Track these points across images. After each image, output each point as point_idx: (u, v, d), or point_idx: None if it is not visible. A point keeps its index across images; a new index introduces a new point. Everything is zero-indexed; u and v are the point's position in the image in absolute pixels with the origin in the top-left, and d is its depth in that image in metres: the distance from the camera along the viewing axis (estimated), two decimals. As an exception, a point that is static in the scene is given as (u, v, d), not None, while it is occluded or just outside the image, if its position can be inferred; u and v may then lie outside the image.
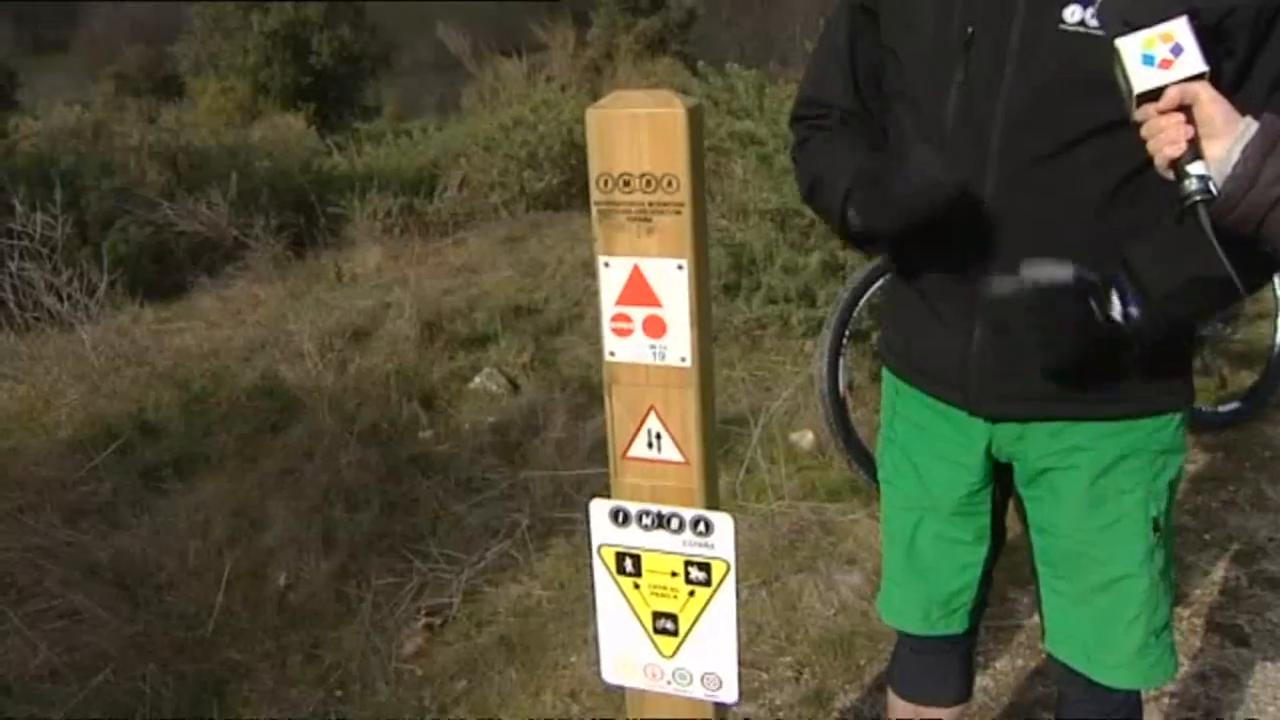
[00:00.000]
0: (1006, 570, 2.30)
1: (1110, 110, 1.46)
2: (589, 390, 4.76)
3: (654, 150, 1.65)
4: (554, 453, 4.21)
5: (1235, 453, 4.06)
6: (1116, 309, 1.51)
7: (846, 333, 3.65)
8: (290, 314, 6.28)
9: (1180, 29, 1.35)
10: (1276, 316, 4.43)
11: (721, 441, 3.97)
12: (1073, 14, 1.51)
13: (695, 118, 1.68)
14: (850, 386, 3.75)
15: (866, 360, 4.33)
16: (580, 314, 5.92)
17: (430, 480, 4.08)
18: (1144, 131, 1.38)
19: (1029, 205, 1.54)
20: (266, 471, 4.16)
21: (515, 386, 5.01)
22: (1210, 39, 1.38)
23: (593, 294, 6.00)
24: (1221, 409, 4.24)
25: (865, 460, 3.61)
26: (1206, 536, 3.51)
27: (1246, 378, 4.51)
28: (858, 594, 3.19)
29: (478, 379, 5.05)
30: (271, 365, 5.36)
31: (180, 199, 7.82)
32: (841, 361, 3.62)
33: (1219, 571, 3.32)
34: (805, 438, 4.11)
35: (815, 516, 3.60)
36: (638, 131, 1.67)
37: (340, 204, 8.17)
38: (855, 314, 3.69)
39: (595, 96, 9.82)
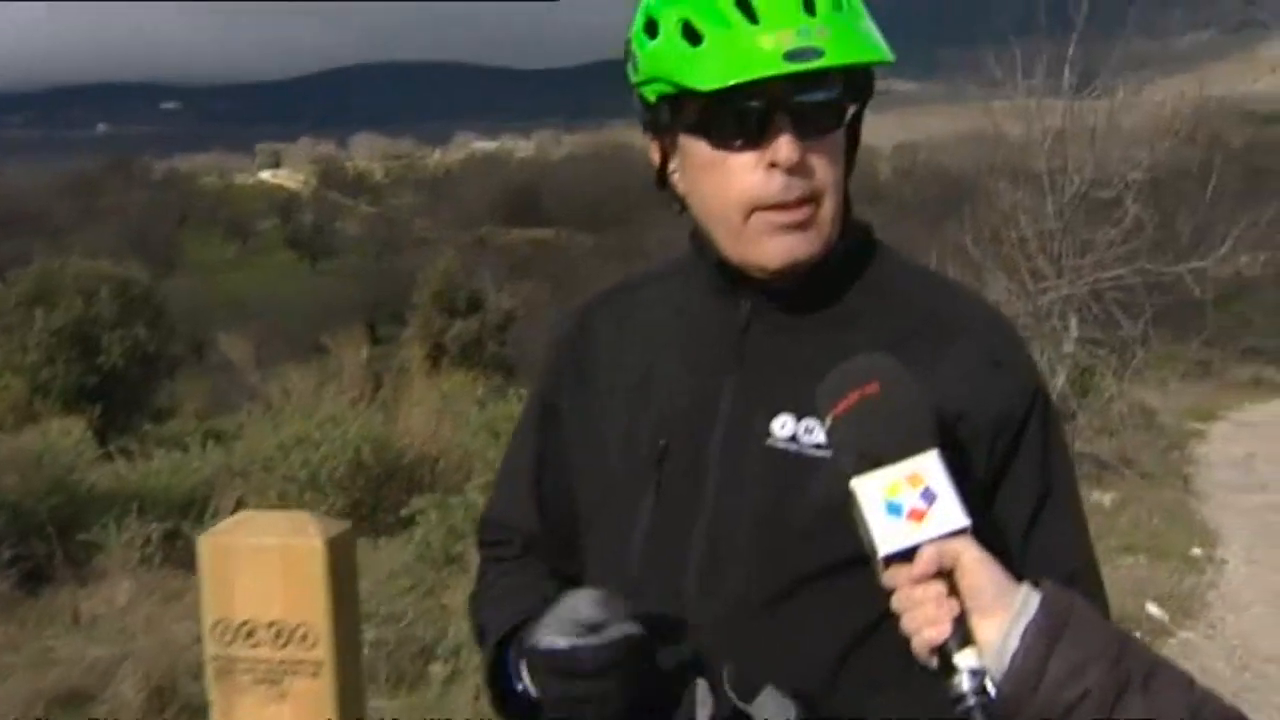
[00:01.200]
0: None
1: (837, 547, 1.21)
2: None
3: (286, 593, 1.33)
4: None
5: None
6: None
7: None
8: None
9: (931, 468, 1.13)
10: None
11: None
12: (783, 426, 1.29)
13: (340, 550, 1.37)
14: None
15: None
16: (348, 666, 5.38)
17: None
18: (895, 604, 1.12)
19: (738, 668, 1.26)
20: None
21: (256, 766, 4.37)
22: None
23: (371, 644, 5.48)
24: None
25: None
26: None
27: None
28: None
29: (210, 759, 4.40)
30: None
31: (-107, 529, 7.02)
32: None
33: None
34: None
35: None
36: (264, 568, 1.34)
37: (92, 530, 7.50)
38: None
39: (386, 410, 9.60)
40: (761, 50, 1.18)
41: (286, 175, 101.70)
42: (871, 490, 1.13)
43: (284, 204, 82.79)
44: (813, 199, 1.26)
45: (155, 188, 78.47)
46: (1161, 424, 14.42)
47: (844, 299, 1.33)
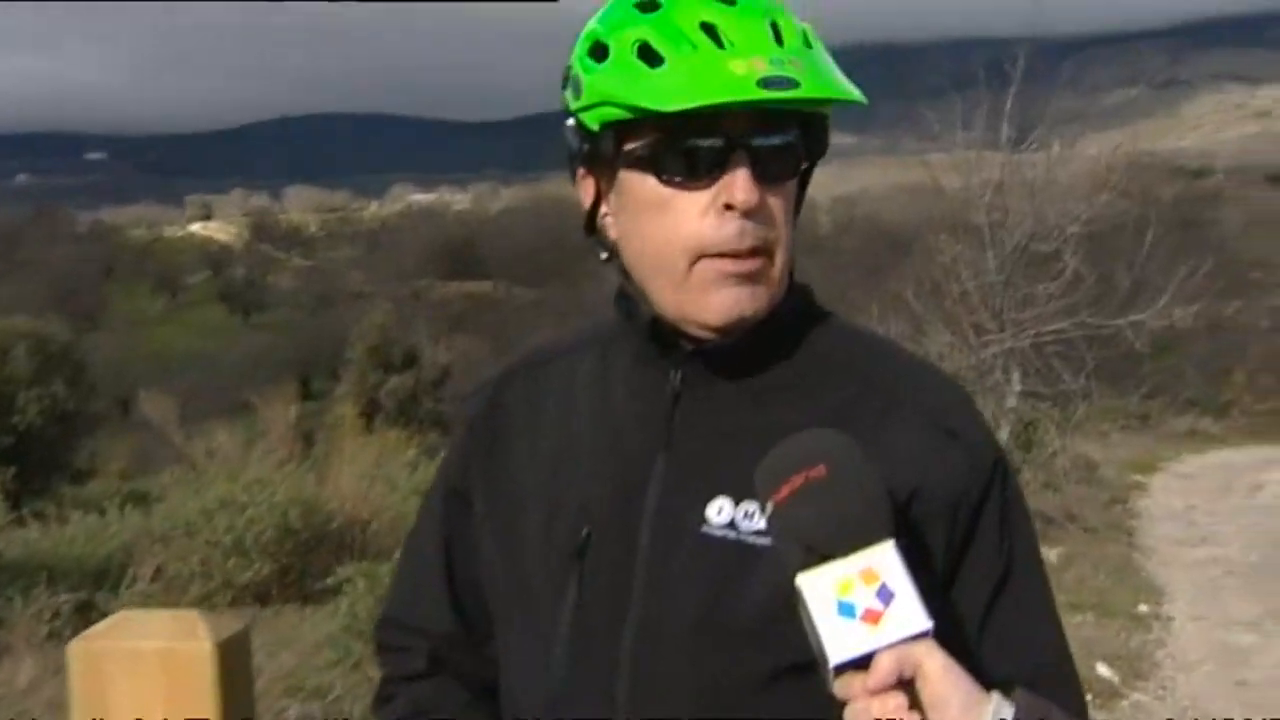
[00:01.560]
0: None
1: (786, 649, 1.09)
2: None
3: (170, 706, 1.18)
4: None
5: None
6: None
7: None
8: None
9: (887, 562, 1.01)
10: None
11: None
12: (719, 512, 1.16)
13: (233, 653, 1.22)
14: None
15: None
16: (270, 750, 5.13)
17: None
18: (849, 717, 1.00)
19: None
20: None
21: None
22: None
23: None
24: None
25: None
26: None
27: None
28: None
29: None
30: None
31: None
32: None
33: None
34: None
35: None
36: (144, 677, 1.19)
37: (-3, 602, 7.16)
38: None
39: (317, 470, 9.37)
40: (733, 74, 1.07)
41: (218, 228, 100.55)
42: (820, 589, 1.00)
43: (215, 257, 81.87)
44: (765, 250, 1.15)
45: (80, 240, 77.15)
46: (1103, 477, 14.56)
47: (783, 367, 1.22)
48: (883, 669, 0.97)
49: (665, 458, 1.20)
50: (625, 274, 1.23)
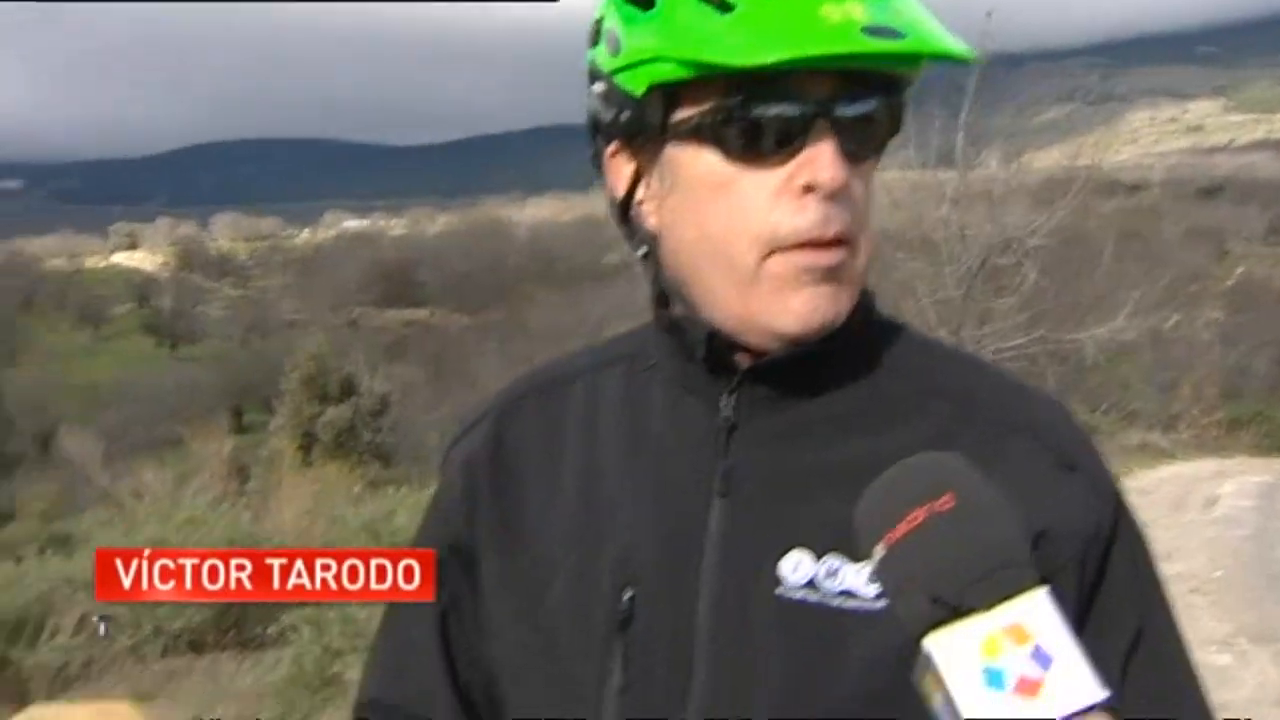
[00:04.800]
0: None
1: None
2: None
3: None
4: None
5: None
6: None
7: None
8: None
9: (1040, 616, 0.79)
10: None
11: None
12: (796, 568, 0.95)
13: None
14: None
15: None
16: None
17: None
18: None
19: None
20: None
21: None
22: None
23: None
24: None
25: None
26: None
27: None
28: None
29: None
30: None
31: None
32: None
33: None
34: None
35: None
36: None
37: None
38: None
39: (254, 507, 9.04)
40: (827, 21, 0.87)
41: (143, 257, 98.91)
42: (958, 653, 0.78)
43: (141, 287, 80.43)
44: (849, 241, 0.95)
45: (-8, 272, 75.33)
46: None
47: (857, 387, 1.01)
48: None
49: (723, 505, 0.98)
50: (658, 274, 1.02)
